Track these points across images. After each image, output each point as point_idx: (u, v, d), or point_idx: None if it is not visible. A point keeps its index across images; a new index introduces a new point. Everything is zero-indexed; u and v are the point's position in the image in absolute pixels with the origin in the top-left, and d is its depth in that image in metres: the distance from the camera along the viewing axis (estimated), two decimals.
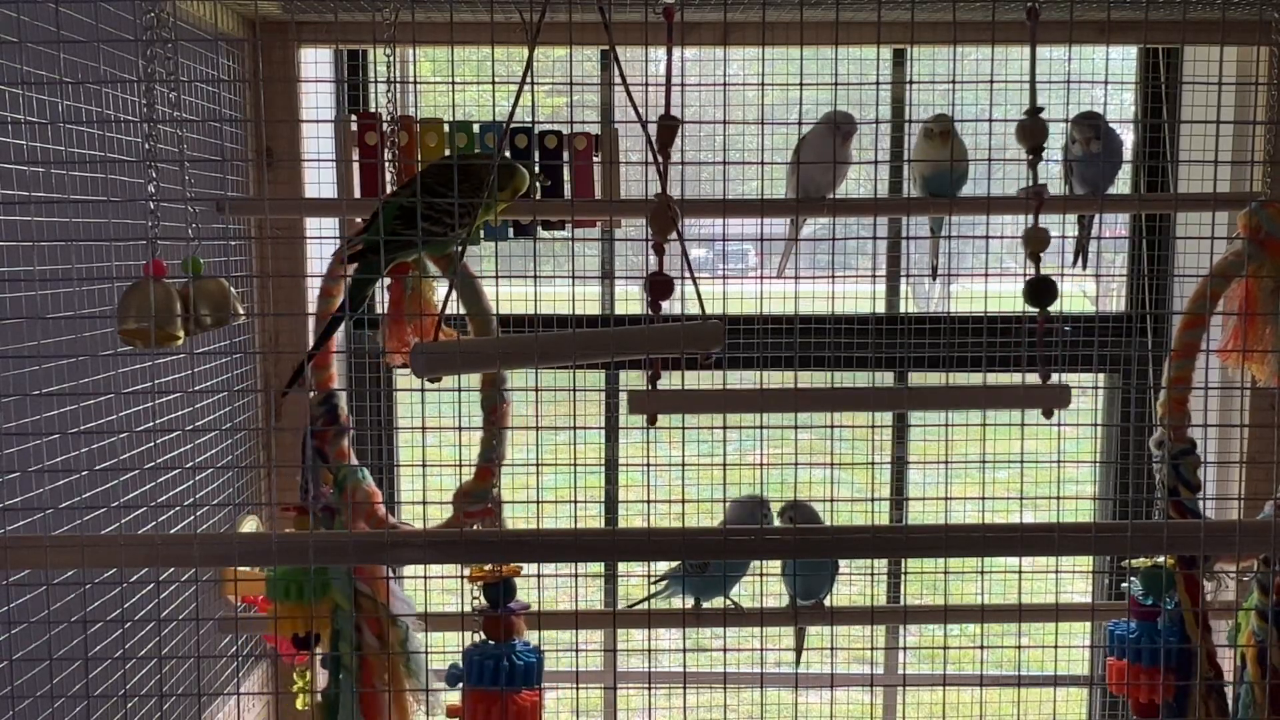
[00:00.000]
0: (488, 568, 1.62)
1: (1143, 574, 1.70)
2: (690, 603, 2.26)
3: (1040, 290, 1.52)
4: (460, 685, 1.67)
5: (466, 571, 1.69)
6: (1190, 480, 1.66)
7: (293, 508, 1.71)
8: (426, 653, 1.73)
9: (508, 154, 2.14)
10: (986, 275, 1.82)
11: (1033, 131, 1.49)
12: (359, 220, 1.78)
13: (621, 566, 2.82)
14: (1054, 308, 1.52)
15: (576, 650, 2.36)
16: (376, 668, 1.67)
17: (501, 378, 1.60)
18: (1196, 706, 1.65)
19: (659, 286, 1.45)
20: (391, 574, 1.72)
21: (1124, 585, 1.77)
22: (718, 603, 2.27)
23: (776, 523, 2.21)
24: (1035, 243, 1.52)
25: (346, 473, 1.69)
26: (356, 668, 1.67)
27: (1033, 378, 1.52)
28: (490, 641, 1.66)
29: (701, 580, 2.21)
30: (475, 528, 1.59)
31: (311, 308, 2.44)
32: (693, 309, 1.47)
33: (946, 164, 2.12)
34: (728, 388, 1.45)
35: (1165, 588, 1.67)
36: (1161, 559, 1.69)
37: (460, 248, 1.54)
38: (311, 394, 1.73)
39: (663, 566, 2.32)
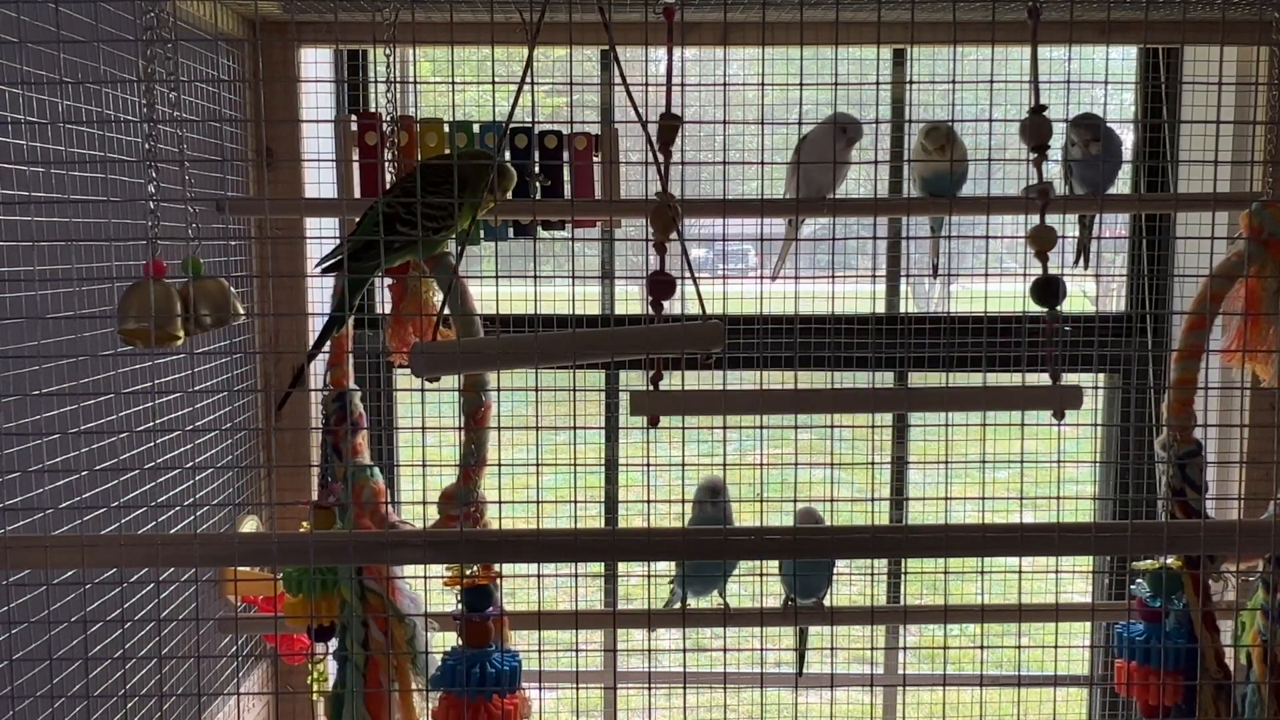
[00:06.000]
0: (470, 571, 1.61)
1: (1149, 575, 1.70)
2: (676, 603, 2.26)
3: (1048, 290, 1.51)
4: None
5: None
6: (1197, 482, 1.65)
7: (311, 503, 1.71)
8: (428, 651, 1.72)
9: (508, 155, 2.14)
10: (986, 275, 1.82)
11: (1036, 130, 1.49)
12: (357, 220, 1.78)
13: (621, 566, 2.82)
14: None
15: (576, 650, 2.36)
16: (383, 665, 1.67)
17: (483, 380, 1.59)
18: (1205, 708, 1.64)
19: (661, 286, 1.45)
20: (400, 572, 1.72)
21: (1131, 587, 1.77)
22: (706, 602, 2.27)
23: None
24: (1042, 241, 1.51)
25: (356, 470, 1.69)
26: (363, 665, 1.67)
27: (1033, 378, 1.52)
28: (466, 646, 1.65)
29: (692, 577, 2.21)
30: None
31: (311, 308, 2.46)
32: (693, 309, 1.46)
33: (946, 165, 2.13)
34: (728, 388, 1.45)
35: (1171, 589, 1.67)
36: (1168, 560, 1.69)
37: (460, 248, 1.54)
38: (325, 392, 1.73)
39: (662, 567, 2.32)
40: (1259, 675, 1.64)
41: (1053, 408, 1.49)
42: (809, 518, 2.15)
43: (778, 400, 1.47)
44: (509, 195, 1.65)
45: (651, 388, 1.45)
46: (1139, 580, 1.73)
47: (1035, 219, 1.52)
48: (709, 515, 2.16)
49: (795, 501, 2.13)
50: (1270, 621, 1.61)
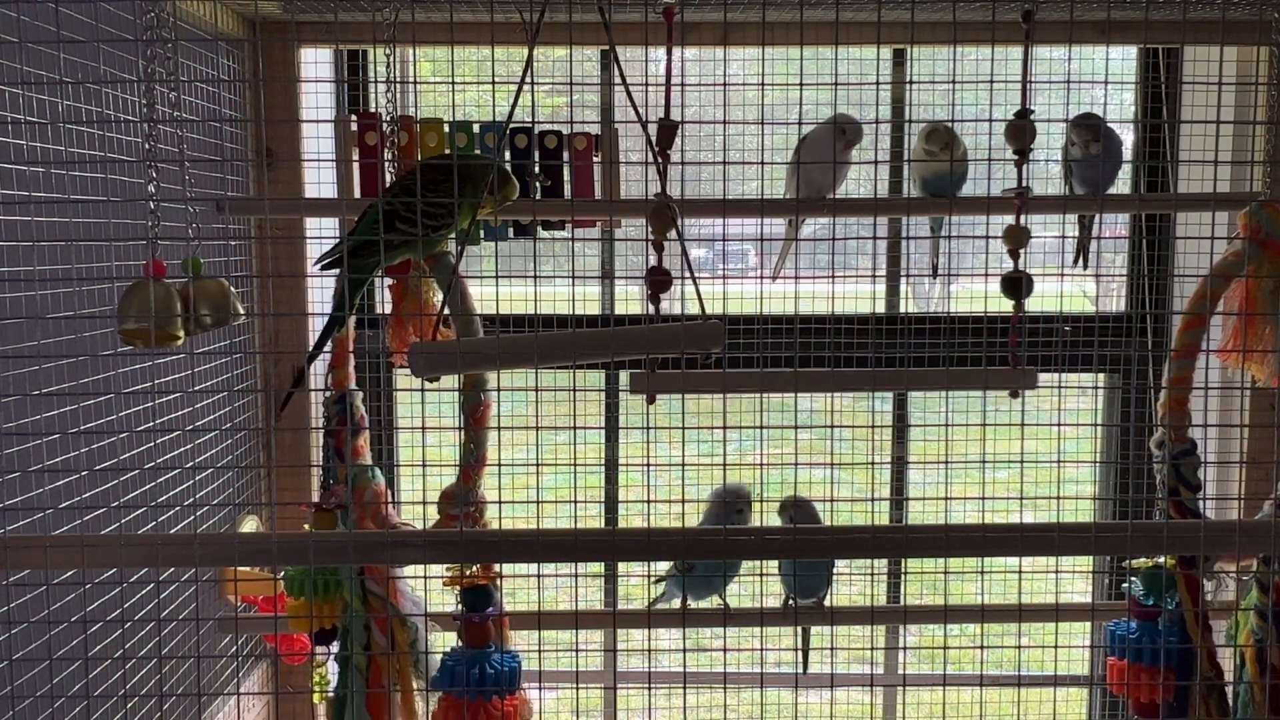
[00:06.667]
0: (470, 571, 1.61)
1: (1143, 574, 1.70)
2: (676, 603, 2.26)
3: (1015, 285, 1.56)
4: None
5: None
6: (1191, 480, 1.66)
7: (312, 505, 1.72)
8: (428, 653, 1.72)
9: (508, 154, 2.14)
10: (986, 275, 1.82)
11: (1020, 133, 1.50)
12: (357, 219, 1.78)
13: (621, 566, 2.82)
14: (1053, 307, 1.54)
15: (576, 650, 2.36)
16: (385, 667, 1.67)
17: (483, 378, 1.60)
18: (1197, 706, 1.65)
19: (658, 281, 1.45)
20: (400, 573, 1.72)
21: (1125, 585, 1.77)
22: (706, 602, 2.27)
23: (753, 519, 2.21)
24: (1014, 240, 1.55)
25: (358, 472, 1.69)
26: (365, 667, 1.67)
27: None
28: (466, 647, 1.65)
29: (693, 579, 2.21)
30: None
31: (311, 308, 2.46)
32: (693, 309, 1.47)
33: (946, 166, 2.13)
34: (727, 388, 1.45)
35: (1166, 588, 1.67)
36: (1162, 559, 1.69)
37: (460, 248, 1.54)
38: (327, 394, 1.74)
39: (663, 567, 2.33)
40: (1252, 675, 1.64)
41: (1008, 388, 1.61)
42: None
43: (775, 381, 1.48)
44: (510, 203, 1.65)
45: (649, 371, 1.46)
46: (1132, 579, 1.73)
47: (1035, 219, 1.54)
48: (727, 519, 2.16)
49: (792, 501, 2.15)
50: (1267, 622, 1.62)
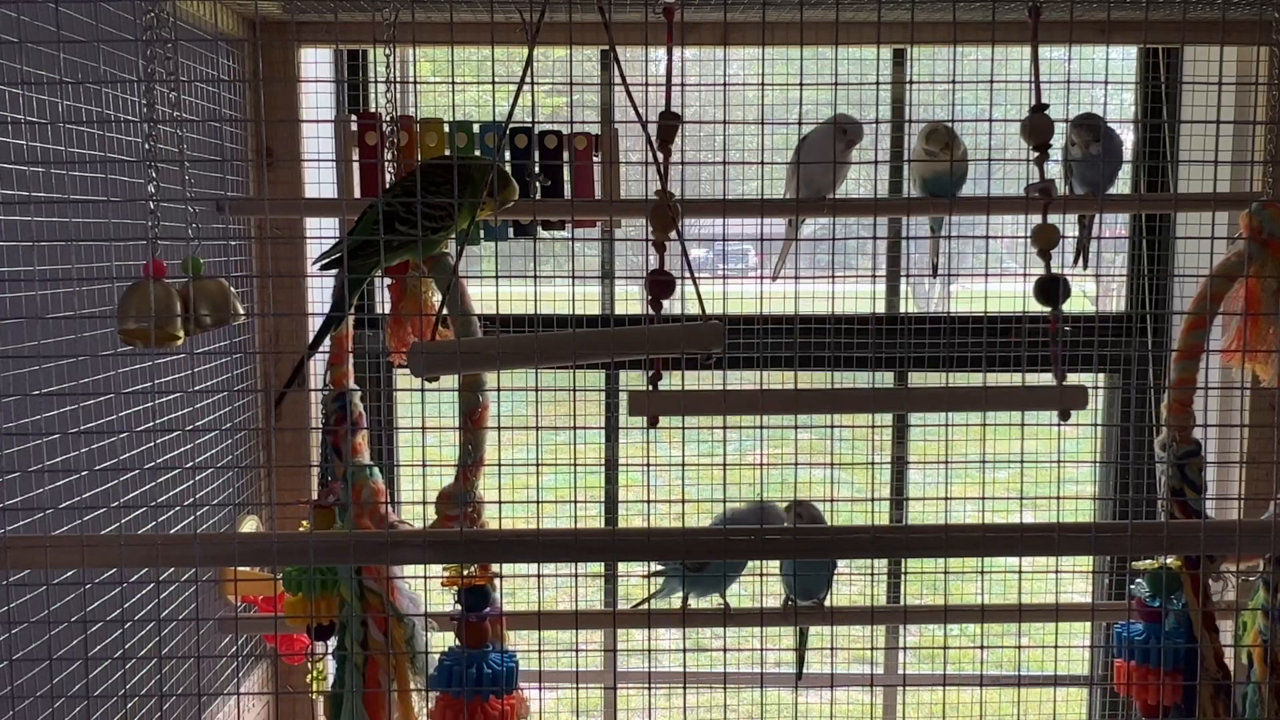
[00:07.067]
0: (468, 571, 1.61)
1: (1149, 575, 1.70)
2: (675, 600, 2.26)
3: (1051, 289, 1.50)
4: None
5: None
6: (1196, 482, 1.66)
7: (314, 503, 1.72)
8: (426, 651, 1.72)
9: (508, 155, 2.14)
10: (986, 275, 1.82)
11: (1038, 128, 1.49)
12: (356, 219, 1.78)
13: (621, 566, 2.82)
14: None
15: (576, 650, 2.36)
16: (382, 665, 1.67)
17: (481, 380, 1.59)
18: (1204, 707, 1.64)
19: (660, 285, 1.45)
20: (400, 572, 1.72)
21: (1131, 587, 1.77)
22: (707, 602, 2.27)
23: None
24: (1044, 239, 1.50)
25: (356, 470, 1.69)
26: (363, 664, 1.67)
27: (1033, 378, 1.52)
28: (463, 647, 1.64)
29: (698, 578, 2.21)
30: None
31: (311, 308, 2.46)
32: (693, 309, 1.46)
33: (946, 166, 2.13)
34: (728, 388, 1.45)
35: (1170, 589, 1.67)
36: (1167, 560, 1.69)
37: (459, 249, 1.54)
38: (325, 392, 1.74)
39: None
40: (1260, 675, 1.64)
41: (1057, 408, 1.48)
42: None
43: (777, 400, 1.47)
44: (510, 205, 1.65)
45: (650, 388, 1.45)
46: (1138, 580, 1.73)
47: (1035, 219, 1.52)
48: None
49: (795, 501, 2.15)
50: (1271, 621, 1.61)
